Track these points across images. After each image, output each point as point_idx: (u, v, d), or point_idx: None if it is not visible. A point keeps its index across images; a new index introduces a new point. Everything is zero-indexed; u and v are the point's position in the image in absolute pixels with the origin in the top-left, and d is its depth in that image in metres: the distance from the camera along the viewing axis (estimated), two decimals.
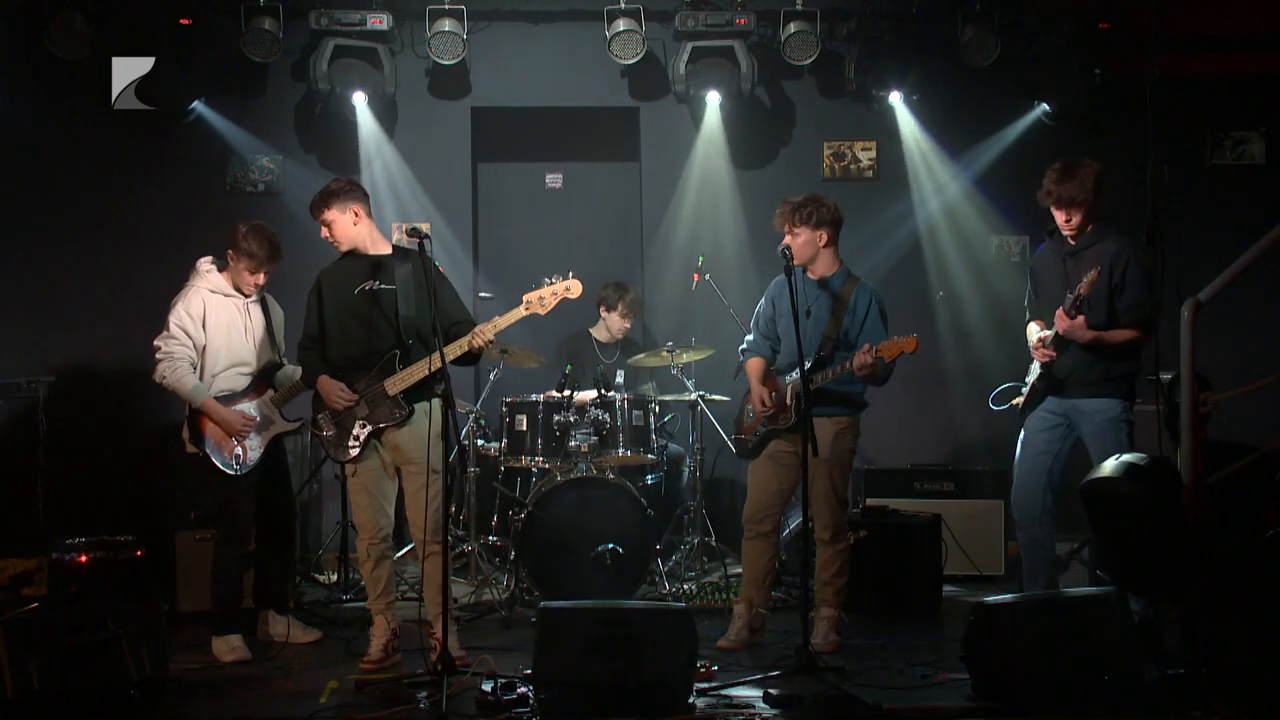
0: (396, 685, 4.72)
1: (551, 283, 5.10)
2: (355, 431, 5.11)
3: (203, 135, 7.45)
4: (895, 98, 7.50)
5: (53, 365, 7.08)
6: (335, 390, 5.09)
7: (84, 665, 4.34)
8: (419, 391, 5.06)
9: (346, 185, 5.22)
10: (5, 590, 6.15)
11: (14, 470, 6.73)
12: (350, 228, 5.15)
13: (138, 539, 5.90)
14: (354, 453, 5.12)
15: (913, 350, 5.07)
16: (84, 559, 5.75)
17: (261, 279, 5.50)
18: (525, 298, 5.10)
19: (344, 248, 5.19)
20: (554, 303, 5.10)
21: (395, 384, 5.05)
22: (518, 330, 5.41)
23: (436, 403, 4.97)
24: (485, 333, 5.02)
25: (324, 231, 5.18)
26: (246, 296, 5.52)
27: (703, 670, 4.76)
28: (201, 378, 5.38)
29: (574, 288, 5.11)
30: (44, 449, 6.56)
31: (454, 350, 5.01)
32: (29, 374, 6.80)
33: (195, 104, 7.31)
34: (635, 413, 6.40)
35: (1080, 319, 5.07)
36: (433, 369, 4.86)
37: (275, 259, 5.46)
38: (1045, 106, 7.49)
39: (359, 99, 7.33)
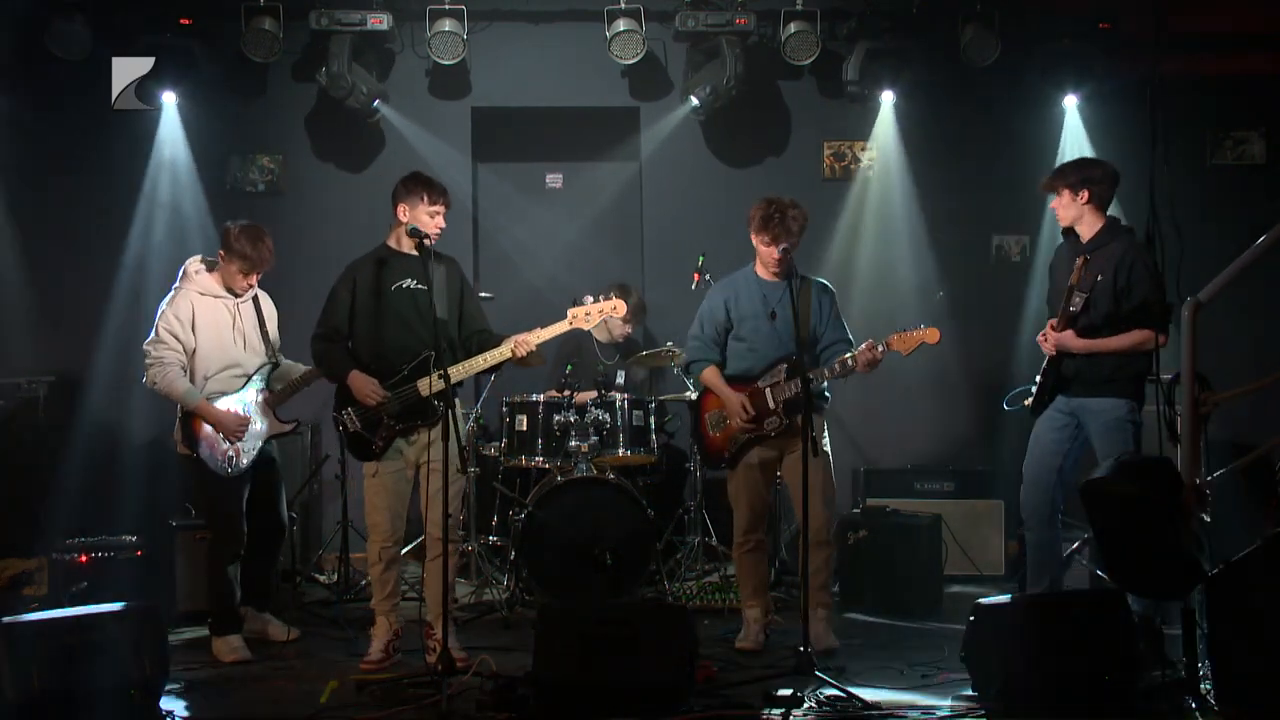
0: (397, 685, 4.71)
1: (596, 300, 5.23)
2: (383, 430, 5.09)
3: (203, 135, 7.44)
4: (896, 97, 7.49)
5: (53, 365, 7.07)
6: (369, 387, 5.05)
7: (84, 665, 4.33)
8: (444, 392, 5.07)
9: None
10: (5, 590, 6.15)
11: (14, 470, 6.72)
12: None
13: (138, 539, 5.90)
14: (378, 451, 5.11)
15: (935, 341, 5.07)
16: (84, 559, 5.76)
17: (255, 279, 5.46)
18: (570, 312, 5.19)
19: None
20: (598, 319, 5.24)
21: (430, 385, 5.01)
22: (519, 330, 5.40)
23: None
24: (529, 342, 5.09)
25: (440, 220, 5.15)
26: (238, 297, 5.49)
27: (703, 670, 4.76)
28: (193, 380, 5.34)
29: (620, 307, 5.30)
30: (44, 449, 6.55)
31: (494, 358, 5.09)
32: (29, 374, 6.79)
33: (190, 103, 7.25)
34: (635, 413, 6.40)
35: (1068, 332, 5.05)
36: (471, 374, 4.90)
37: (268, 260, 5.43)
38: (1046, 106, 7.47)
39: (369, 100, 7.30)
